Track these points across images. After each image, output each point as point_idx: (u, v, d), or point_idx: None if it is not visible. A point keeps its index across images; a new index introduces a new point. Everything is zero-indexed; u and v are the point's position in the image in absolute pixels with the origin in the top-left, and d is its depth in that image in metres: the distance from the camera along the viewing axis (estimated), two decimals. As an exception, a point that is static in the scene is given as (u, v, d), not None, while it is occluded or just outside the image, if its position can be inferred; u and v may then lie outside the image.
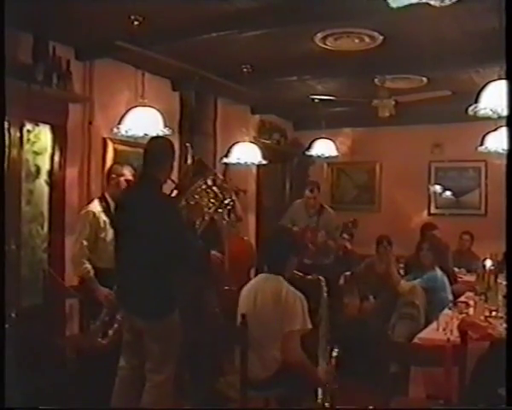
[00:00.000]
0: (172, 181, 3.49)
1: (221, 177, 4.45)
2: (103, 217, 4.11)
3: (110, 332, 3.75)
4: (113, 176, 4.25)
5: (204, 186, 3.56)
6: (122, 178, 4.21)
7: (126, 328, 3.32)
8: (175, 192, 3.51)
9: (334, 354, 3.14)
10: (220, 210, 3.80)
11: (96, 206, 4.16)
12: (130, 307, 3.21)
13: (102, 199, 4.21)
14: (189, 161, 3.71)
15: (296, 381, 3.03)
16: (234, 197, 5.36)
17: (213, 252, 4.74)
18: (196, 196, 3.51)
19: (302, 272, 3.72)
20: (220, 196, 3.74)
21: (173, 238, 3.07)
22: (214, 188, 3.67)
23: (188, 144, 4.04)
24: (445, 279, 4.59)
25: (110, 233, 3.99)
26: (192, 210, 3.45)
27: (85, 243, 4.04)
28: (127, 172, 4.26)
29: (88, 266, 4.01)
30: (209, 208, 3.69)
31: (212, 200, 3.71)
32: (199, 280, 4.40)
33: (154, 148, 3.28)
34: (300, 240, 5.52)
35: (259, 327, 3.08)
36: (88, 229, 4.06)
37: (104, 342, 3.74)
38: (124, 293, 3.27)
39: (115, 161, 4.73)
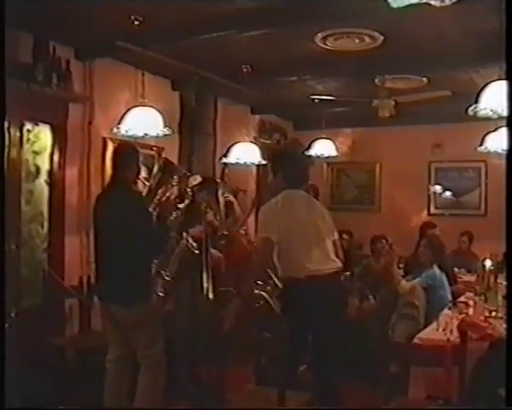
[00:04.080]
0: (142, 181, 3.80)
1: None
2: None
3: None
4: None
5: (171, 184, 3.87)
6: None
7: (106, 317, 3.57)
8: (145, 191, 3.79)
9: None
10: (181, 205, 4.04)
11: None
12: (110, 296, 3.44)
13: None
14: (156, 166, 3.90)
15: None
16: (233, 199, 5.37)
17: (213, 251, 4.75)
18: (167, 194, 3.83)
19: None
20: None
21: (141, 229, 3.36)
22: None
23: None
24: (444, 278, 4.58)
25: None
26: (163, 206, 3.75)
27: None
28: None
29: None
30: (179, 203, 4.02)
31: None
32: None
33: (122, 152, 3.64)
34: None
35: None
36: None
37: None
38: (103, 284, 3.51)
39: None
